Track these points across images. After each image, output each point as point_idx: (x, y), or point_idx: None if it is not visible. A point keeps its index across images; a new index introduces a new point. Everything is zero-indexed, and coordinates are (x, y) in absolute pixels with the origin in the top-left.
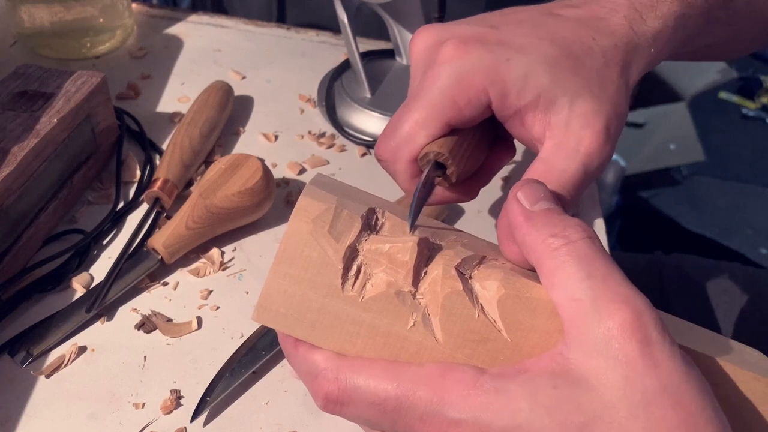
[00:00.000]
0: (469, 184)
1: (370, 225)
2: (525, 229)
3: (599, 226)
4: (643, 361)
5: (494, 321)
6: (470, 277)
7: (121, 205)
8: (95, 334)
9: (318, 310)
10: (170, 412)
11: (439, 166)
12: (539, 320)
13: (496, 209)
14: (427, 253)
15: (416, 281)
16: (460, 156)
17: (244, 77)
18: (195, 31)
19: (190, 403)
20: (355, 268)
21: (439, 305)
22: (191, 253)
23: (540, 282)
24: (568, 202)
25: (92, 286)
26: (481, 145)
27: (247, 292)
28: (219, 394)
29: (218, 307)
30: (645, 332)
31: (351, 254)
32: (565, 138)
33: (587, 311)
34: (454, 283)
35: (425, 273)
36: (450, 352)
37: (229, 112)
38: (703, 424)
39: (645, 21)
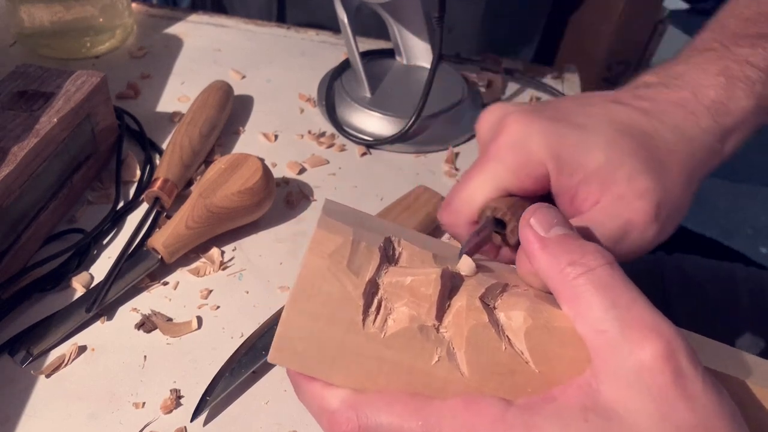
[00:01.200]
0: None
1: (388, 256)
2: (541, 257)
3: None
4: (676, 393)
5: (521, 353)
6: (495, 308)
7: (121, 204)
8: (95, 334)
9: (337, 347)
10: (170, 411)
11: (499, 224)
12: (567, 349)
13: None
14: (449, 285)
15: (440, 314)
16: (520, 215)
17: (244, 77)
18: (195, 31)
19: (190, 402)
20: (375, 302)
21: (464, 338)
22: (191, 252)
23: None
24: None
25: (92, 285)
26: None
27: (247, 292)
28: (219, 393)
29: (218, 307)
30: (677, 363)
31: (371, 289)
32: (613, 203)
33: (615, 343)
34: (479, 315)
35: (448, 305)
36: (476, 386)
37: (229, 111)
38: None
39: (715, 118)
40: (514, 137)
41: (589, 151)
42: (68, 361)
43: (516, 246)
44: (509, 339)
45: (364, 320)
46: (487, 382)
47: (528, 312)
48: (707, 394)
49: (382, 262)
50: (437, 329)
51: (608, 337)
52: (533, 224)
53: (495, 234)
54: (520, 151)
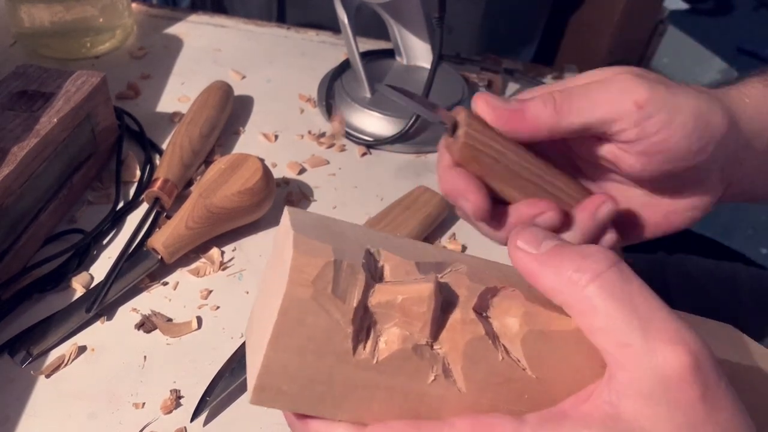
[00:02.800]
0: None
1: (372, 272)
2: (542, 274)
3: None
4: (704, 407)
5: (518, 360)
6: (488, 317)
7: (121, 204)
8: (95, 334)
9: (326, 381)
10: (170, 411)
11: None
12: (564, 353)
13: None
14: (441, 299)
15: (434, 331)
16: (484, 131)
17: (244, 77)
18: (195, 31)
19: (190, 402)
20: (365, 326)
21: (461, 353)
22: (191, 252)
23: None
24: None
25: (92, 285)
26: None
27: (247, 292)
28: (219, 393)
29: (218, 307)
30: (704, 376)
31: (360, 313)
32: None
33: (639, 356)
34: (475, 328)
35: (442, 321)
36: (473, 399)
37: (229, 111)
38: None
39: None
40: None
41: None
42: (68, 361)
43: (460, 154)
44: (505, 348)
45: (354, 348)
46: (484, 393)
47: (523, 318)
48: (733, 406)
49: (368, 282)
50: (431, 346)
51: (633, 351)
52: (522, 246)
53: (448, 136)
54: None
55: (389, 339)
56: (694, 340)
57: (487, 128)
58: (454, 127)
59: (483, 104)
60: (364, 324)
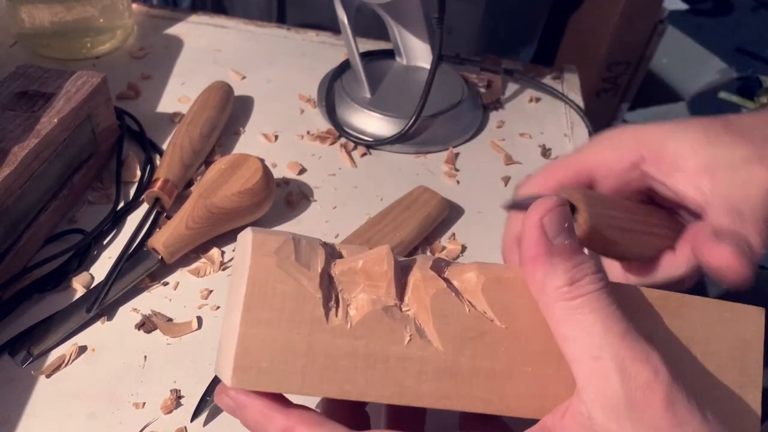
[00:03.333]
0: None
1: (330, 253)
2: (542, 265)
3: None
4: (669, 421)
5: (484, 312)
6: (446, 278)
7: (121, 205)
8: (95, 334)
9: (305, 353)
10: (170, 411)
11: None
12: (525, 299)
13: (495, 210)
14: (399, 263)
15: (399, 293)
16: (599, 205)
17: (244, 77)
18: (195, 32)
19: (191, 402)
20: (333, 295)
21: (429, 310)
22: (191, 252)
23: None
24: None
25: (92, 285)
26: (638, 215)
27: None
28: None
29: (218, 307)
30: (667, 391)
31: (326, 281)
32: (729, 174)
33: (609, 370)
34: (436, 283)
35: (404, 282)
36: (453, 358)
37: (229, 112)
38: None
39: None
40: (602, 137)
41: (685, 141)
42: (68, 361)
43: (587, 236)
44: (470, 302)
45: (327, 315)
46: (462, 351)
47: (478, 270)
48: (696, 418)
49: (328, 256)
50: (400, 308)
51: (602, 365)
52: (546, 224)
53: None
54: (609, 139)
55: (359, 305)
56: (657, 358)
57: (602, 201)
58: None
59: None
60: (331, 292)
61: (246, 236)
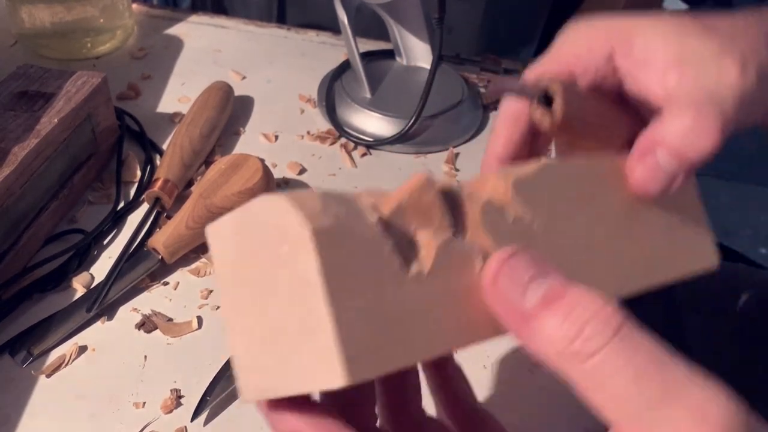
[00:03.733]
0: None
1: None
2: (529, 333)
3: None
4: None
5: (523, 216)
6: (471, 192)
7: (121, 205)
8: (96, 334)
9: (400, 317)
10: (170, 411)
11: (546, 102)
12: (552, 187)
13: None
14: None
15: (455, 219)
16: (575, 97)
17: (244, 77)
18: (195, 32)
19: (191, 402)
20: (397, 243)
21: (481, 228)
22: (191, 252)
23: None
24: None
25: (93, 285)
26: (606, 107)
27: None
28: (219, 393)
29: (218, 307)
30: None
31: (383, 227)
32: (698, 69)
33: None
34: (479, 197)
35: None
36: None
37: (229, 112)
38: None
39: None
40: (574, 28)
41: (659, 35)
42: (69, 361)
43: (558, 126)
44: (507, 209)
45: (404, 266)
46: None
47: (496, 177)
48: None
49: (367, 202)
50: (455, 235)
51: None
52: (503, 287)
53: (537, 107)
54: (581, 33)
55: (423, 243)
56: (722, 414)
57: (578, 93)
58: (546, 98)
59: None
60: (394, 239)
61: (269, 203)
